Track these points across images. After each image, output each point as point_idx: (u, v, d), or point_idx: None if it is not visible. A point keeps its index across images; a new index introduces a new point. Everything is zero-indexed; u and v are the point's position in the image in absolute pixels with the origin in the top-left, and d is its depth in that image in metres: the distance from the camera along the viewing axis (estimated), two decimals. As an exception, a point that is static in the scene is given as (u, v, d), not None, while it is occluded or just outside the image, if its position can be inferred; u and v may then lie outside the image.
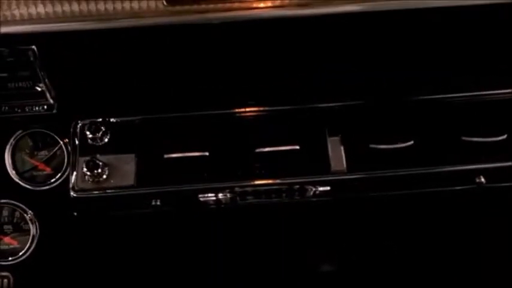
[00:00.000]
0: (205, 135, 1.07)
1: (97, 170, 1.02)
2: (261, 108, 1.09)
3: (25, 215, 1.08)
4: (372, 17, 0.98)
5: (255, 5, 0.96)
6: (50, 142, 1.09)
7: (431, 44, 1.04)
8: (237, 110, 1.09)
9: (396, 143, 1.05)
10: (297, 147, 1.05)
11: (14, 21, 0.95)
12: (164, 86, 1.08)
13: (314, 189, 1.04)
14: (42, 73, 1.03)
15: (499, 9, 0.97)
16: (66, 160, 1.08)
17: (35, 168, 1.10)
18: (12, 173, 1.09)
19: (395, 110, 1.08)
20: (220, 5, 0.95)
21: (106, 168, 1.03)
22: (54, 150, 1.09)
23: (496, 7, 0.97)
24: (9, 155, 1.09)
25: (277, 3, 0.96)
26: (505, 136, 1.04)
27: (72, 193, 1.04)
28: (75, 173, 1.04)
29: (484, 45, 1.04)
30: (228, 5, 0.95)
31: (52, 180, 1.09)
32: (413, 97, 1.09)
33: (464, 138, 1.05)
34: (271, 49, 1.04)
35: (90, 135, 1.05)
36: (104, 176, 1.03)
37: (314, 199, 1.05)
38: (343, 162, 1.04)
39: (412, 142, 1.05)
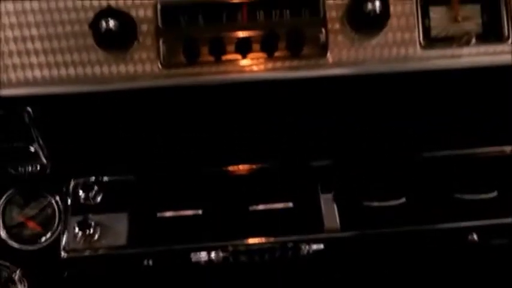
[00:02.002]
0: (199, 193, 1.07)
1: (89, 230, 1.02)
2: (254, 166, 1.11)
3: (13, 274, 1.07)
4: (360, 79, 1.00)
5: (247, 68, 0.98)
6: (42, 201, 1.09)
7: (423, 102, 1.06)
8: (230, 168, 1.10)
9: (388, 200, 1.06)
10: (290, 204, 1.06)
11: (10, 84, 0.96)
12: (157, 145, 1.09)
13: (308, 247, 1.04)
14: (37, 134, 1.04)
15: (489, 71, 1.00)
16: (57, 219, 1.08)
17: (25, 227, 1.09)
18: (2, 232, 1.08)
19: (387, 167, 1.10)
20: (214, 68, 0.97)
21: (98, 228, 1.03)
22: (46, 209, 1.09)
23: (487, 70, 1.00)
24: (0, 214, 1.08)
25: (269, 66, 0.98)
26: (495, 193, 1.06)
27: (63, 253, 1.03)
28: (66, 233, 1.04)
29: (475, 104, 1.07)
30: (222, 68, 0.98)
31: (42, 240, 1.08)
32: (404, 154, 1.10)
33: (455, 195, 1.06)
34: (264, 108, 1.06)
35: (83, 195, 1.05)
36: (96, 236, 1.03)
37: (308, 257, 1.05)
38: (336, 220, 1.05)
39: (404, 199, 1.06)
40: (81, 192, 1.05)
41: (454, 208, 1.05)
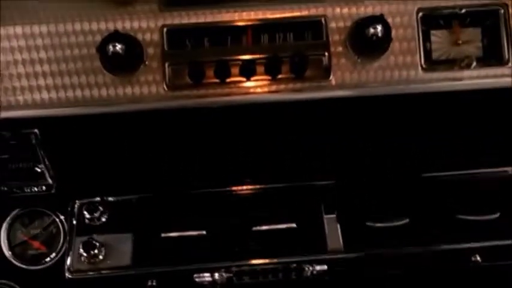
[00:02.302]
0: (203, 213, 1.08)
1: (94, 250, 1.02)
2: (258, 186, 1.11)
3: (18, 294, 1.07)
4: (363, 101, 1.01)
5: (252, 90, 0.99)
6: (47, 221, 1.10)
7: (425, 124, 1.07)
8: (233, 188, 1.11)
9: (391, 221, 1.07)
10: (294, 225, 1.06)
11: (18, 106, 0.97)
12: (162, 166, 1.09)
13: (311, 268, 1.04)
14: (43, 154, 1.05)
15: (490, 93, 1.02)
16: (62, 239, 1.08)
17: (30, 247, 1.10)
18: (8, 253, 1.08)
19: (390, 187, 1.10)
20: (218, 90, 0.99)
21: (103, 249, 1.04)
22: (51, 229, 1.10)
23: (488, 92, 1.02)
24: (5, 234, 1.09)
25: (273, 88, 0.99)
26: (498, 214, 1.06)
27: (67, 274, 1.03)
28: (71, 253, 1.04)
29: (476, 125, 1.08)
30: (226, 90, 0.99)
31: (47, 260, 1.08)
32: (407, 175, 1.11)
33: (458, 216, 1.06)
34: (267, 130, 1.07)
35: (88, 215, 1.05)
36: (101, 257, 1.03)
37: (311, 278, 1.05)
38: (339, 240, 1.05)
39: (407, 220, 1.07)
40: (86, 213, 1.06)
41: (457, 229, 1.06)
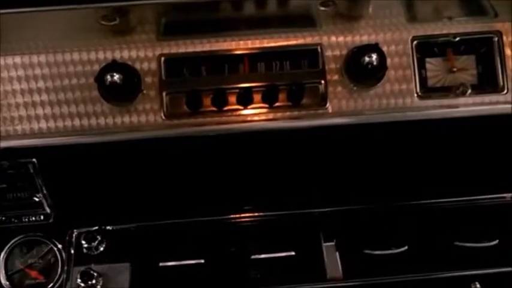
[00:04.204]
0: (201, 242, 1.07)
1: (91, 281, 1.01)
2: (256, 214, 1.11)
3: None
4: (360, 128, 1.02)
5: (249, 118, 1.00)
6: (45, 251, 1.09)
7: (422, 151, 1.08)
8: (232, 217, 1.11)
9: (390, 249, 1.06)
10: (293, 253, 1.06)
11: (17, 136, 0.98)
12: (160, 194, 1.09)
13: (311, 296, 1.03)
14: (41, 184, 1.05)
15: (485, 120, 1.02)
16: (59, 269, 1.08)
17: (28, 276, 1.09)
18: (5, 282, 1.07)
19: (389, 215, 1.10)
20: (216, 118, 0.99)
21: (100, 279, 1.03)
22: (49, 258, 1.09)
23: (483, 119, 1.02)
24: (3, 263, 1.08)
25: (270, 116, 1.00)
26: (496, 241, 1.06)
27: (64, 305, 1.03)
28: (69, 283, 1.04)
29: (473, 152, 1.08)
30: (224, 118, 1.00)
31: (43, 290, 1.07)
32: (406, 202, 1.11)
33: (457, 243, 1.06)
34: (265, 157, 1.07)
35: (86, 245, 1.05)
36: (98, 287, 1.02)
37: (311, 306, 1.04)
38: (339, 268, 1.05)
39: (406, 247, 1.06)
40: (84, 242, 1.05)
41: (456, 256, 1.05)
